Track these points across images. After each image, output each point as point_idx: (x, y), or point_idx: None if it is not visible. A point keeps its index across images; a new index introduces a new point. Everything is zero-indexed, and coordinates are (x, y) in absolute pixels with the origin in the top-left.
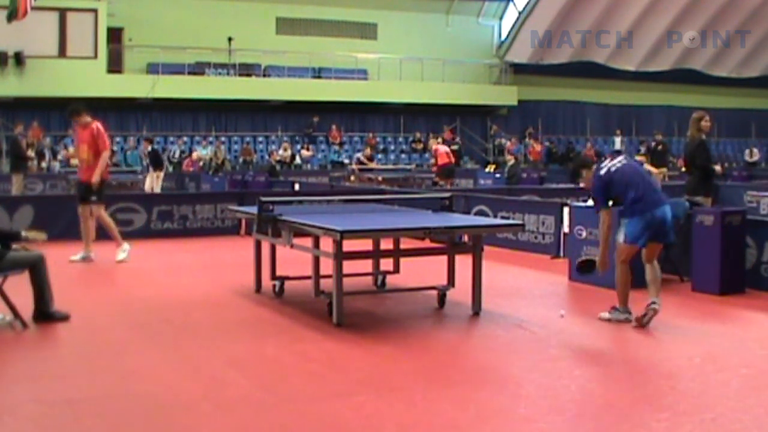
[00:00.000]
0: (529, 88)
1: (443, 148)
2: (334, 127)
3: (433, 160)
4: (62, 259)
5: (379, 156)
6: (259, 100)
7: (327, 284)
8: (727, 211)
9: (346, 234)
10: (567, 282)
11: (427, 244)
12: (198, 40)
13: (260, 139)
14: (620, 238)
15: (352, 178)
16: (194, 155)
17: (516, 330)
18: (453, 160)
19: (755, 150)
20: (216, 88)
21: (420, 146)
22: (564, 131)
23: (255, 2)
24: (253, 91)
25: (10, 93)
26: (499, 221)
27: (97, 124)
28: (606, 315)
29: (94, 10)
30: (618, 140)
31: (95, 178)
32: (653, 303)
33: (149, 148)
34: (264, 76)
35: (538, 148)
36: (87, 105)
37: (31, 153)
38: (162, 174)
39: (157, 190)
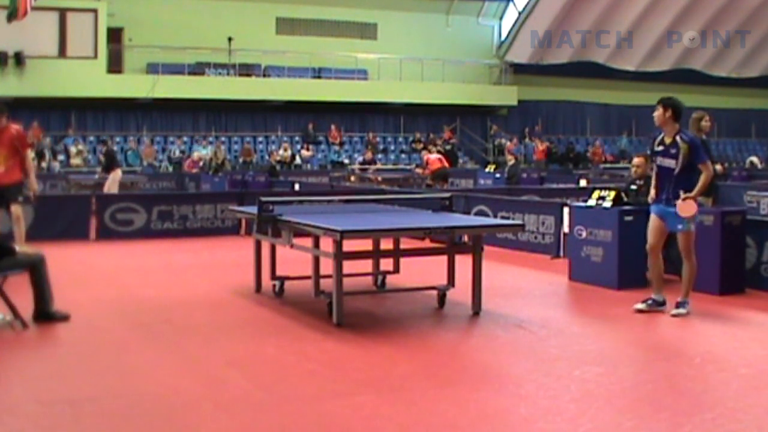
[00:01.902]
0: (529, 88)
1: (434, 156)
2: (333, 127)
3: (420, 170)
4: (62, 259)
5: (380, 156)
6: (259, 100)
7: (327, 284)
8: (727, 211)
9: (346, 234)
10: (567, 282)
11: (427, 244)
12: (198, 40)
13: (260, 139)
14: (691, 226)
15: (353, 178)
16: (194, 155)
17: (516, 330)
18: (446, 164)
19: (755, 159)
20: (216, 88)
21: (420, 146)
22: (564, 131)
23: (255, 2)
24: (253, 91)
25: (10, 93)
26: (499, 221)
27: (17, 128)
28: (681, 311)
29: (94, 10)
30: (624, 141)
31: (33, 181)
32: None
33: (104, 149)
34: (264, 76)
35: (542, 147)
36: (89, 105)
37: (31, 153)
38: (118, 174)
39: (114, 190)
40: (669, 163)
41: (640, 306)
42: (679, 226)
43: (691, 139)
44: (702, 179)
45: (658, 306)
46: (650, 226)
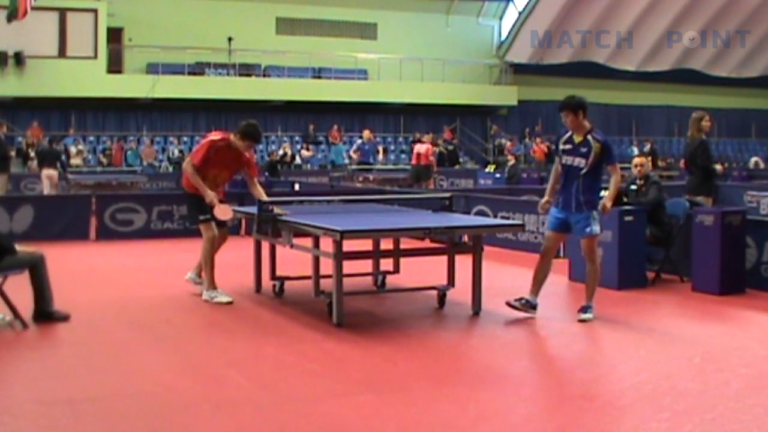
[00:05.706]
0: (529, 88)
1: (423, 149)
2: (334, 127)
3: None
4: (62, 259)
5: (380, 156)
6: (259, 100)
7: (327, 284)
8: (727, 211)
9: (346, 234)
10: (567, 282)
11: (427, 244)
12: (198, 40)
13: None
14: (597, 228)
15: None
16: None
17: (516, 330)
18: (423, 161)
19: (759, 159)
20: (216, 88)
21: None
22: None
23: (255, 2)
24: (253, 91)
25: (10, 93)
26: (499, 221)
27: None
28: (588, 316)
29: (94, 10)
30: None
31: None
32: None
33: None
34: (264, 76)
35: (543, 147)
36: (89, 105)
37: (31, 153)
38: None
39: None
40: (578, 162)
41: (513, 302)
42: (587, 230)
43: (605, 139)
44: (612, 181)
45: (530, 308)
46: (549, 230)
